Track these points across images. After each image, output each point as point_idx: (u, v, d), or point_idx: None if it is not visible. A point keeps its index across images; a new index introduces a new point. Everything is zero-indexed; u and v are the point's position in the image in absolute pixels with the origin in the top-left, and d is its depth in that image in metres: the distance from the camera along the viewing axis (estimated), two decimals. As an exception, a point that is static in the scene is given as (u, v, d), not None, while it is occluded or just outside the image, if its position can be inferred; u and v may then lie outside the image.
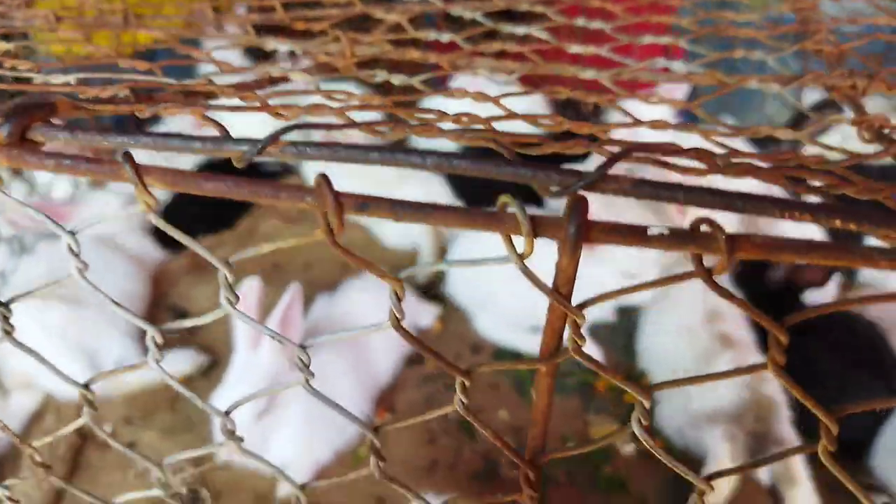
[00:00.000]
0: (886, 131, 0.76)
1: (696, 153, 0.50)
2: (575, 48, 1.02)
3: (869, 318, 1.80)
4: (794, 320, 0.47)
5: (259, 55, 2.65)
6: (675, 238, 0.42)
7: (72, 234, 0.52)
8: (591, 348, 1.92)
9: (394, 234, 2.24)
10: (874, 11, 1.03)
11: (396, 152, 0.46)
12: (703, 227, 0.43)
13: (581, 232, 0.42)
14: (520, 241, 0.45)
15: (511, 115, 0.67)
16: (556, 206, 1.71)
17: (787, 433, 1.60)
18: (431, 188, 2.22)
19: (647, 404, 0.49)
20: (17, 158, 0.49)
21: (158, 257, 2.08)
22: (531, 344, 1.90)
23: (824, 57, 1.00)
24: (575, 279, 0.44)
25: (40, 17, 0.98)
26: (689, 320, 1.79)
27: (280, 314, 1.54)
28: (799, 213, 0.42)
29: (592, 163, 2.07)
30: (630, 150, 0.46)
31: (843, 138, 2.69)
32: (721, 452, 1.55)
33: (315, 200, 0.44)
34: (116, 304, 0.54)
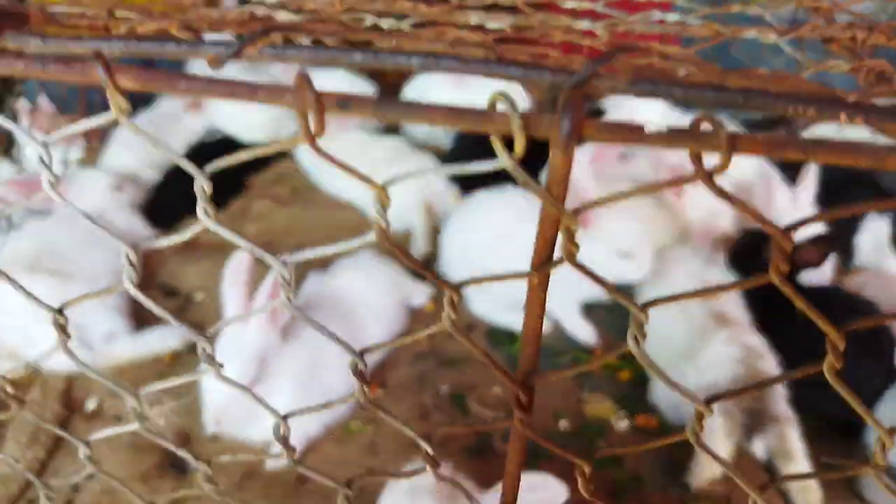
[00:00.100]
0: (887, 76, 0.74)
1: (694, 61, 0.49)
2: (570, 2, 1.00)
3: (867, 298, 1.79)
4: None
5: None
6: (675, 136, 0.40)
7: (44, 144, 0.50)
8: (585, 327, 1.91)
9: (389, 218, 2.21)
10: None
11: (380, 53, 0.44)
12: (704, 126, 0.41)
13: (575, 128, 0.40)
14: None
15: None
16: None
17: (783, 410, 1.59)
18: (425, 168, 2.20)
19: (643, 319, 0.47)
20: (-15, 61, 0.47)
21: (147, 235, 2.05)
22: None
23: (822, 14, 0.98)
24: (568, 180, 0.42)
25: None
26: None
27: (269, 287, 1.51)
28: (802, 109, 0.40)
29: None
30: (624, 49, 0.44)
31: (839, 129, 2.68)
32: (717, 428, 1.53)
33: (294, 99, 0.42)
34: (90, 218, 0.51)
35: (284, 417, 0.62)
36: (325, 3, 0.95)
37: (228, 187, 2.21)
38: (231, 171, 2.17)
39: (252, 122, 2.33)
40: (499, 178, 1.96)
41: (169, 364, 1.76)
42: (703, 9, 0.95)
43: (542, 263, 0.45)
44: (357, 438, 1.61)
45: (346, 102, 0.42)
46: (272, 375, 1.56)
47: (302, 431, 1.57)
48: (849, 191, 2.10)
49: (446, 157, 2.32)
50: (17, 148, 2.19)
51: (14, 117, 2.16)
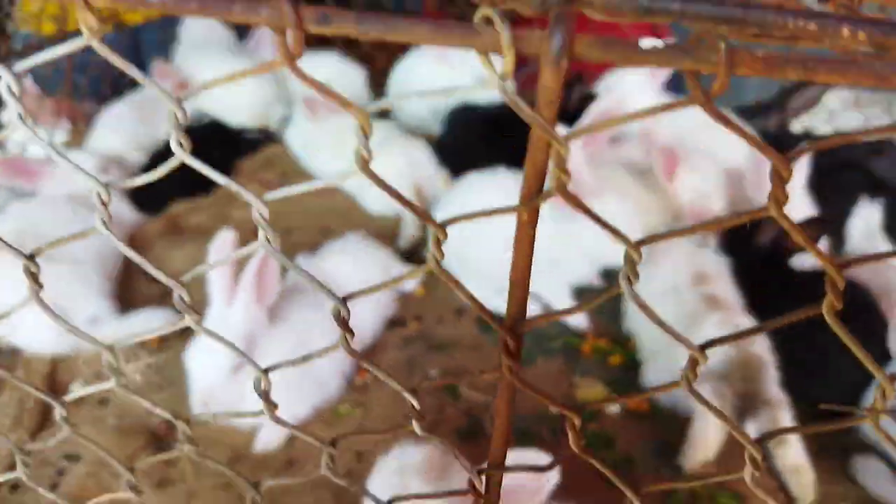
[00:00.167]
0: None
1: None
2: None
3: (858, 283, 1.78)
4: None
5: None
6: (671, 52, 0.38)
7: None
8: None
9: (377, 200, 2.19)
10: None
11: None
12: (702, 41, 0.39)
13: (565, 45, 0.38)
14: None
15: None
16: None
17: (775, 393, 1.58)
18: (414, 155, 2.18)
19: (636, 258, 0.45)
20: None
21: (134, 219, 2.02)
22: (516, 307, 1.87)
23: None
24: (559, 103, 0.40)
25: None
26: (675, 282, 1.76)
27: (255, 268, 1.49)
28: (803, 23, 0.39)
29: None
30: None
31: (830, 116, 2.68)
32: (709, 412, 1.52)
33: (271, 13, 0.40)
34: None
35: (265, 371, 0.60)
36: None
37: (216, 171, 2.17)
38: (218, 156, 2.16)
39: (239, 106, 2.31)
40: (489, 159, 1.95)
41: (157, 347, 1.74)
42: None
43: (532, 196, 0.43)
44: (346, 421, 1.59)
45: (326, 16, 0.39)
46: (259, 357, 1.53)
47: (290, 414, 1.55)
48: (840, 176, 2.09)
49: (437, 142, 2.30)
50: None
51: (-1, 101, 2.12)
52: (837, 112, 2.76)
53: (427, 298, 1.95)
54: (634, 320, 1.84)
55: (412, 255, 2.05)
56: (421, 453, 1.26)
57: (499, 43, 0.39)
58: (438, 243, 0.45)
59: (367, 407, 1.62)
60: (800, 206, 1.97)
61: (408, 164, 2.13)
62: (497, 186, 1.85)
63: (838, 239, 2.05)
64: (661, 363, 1.67)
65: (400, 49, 2.58)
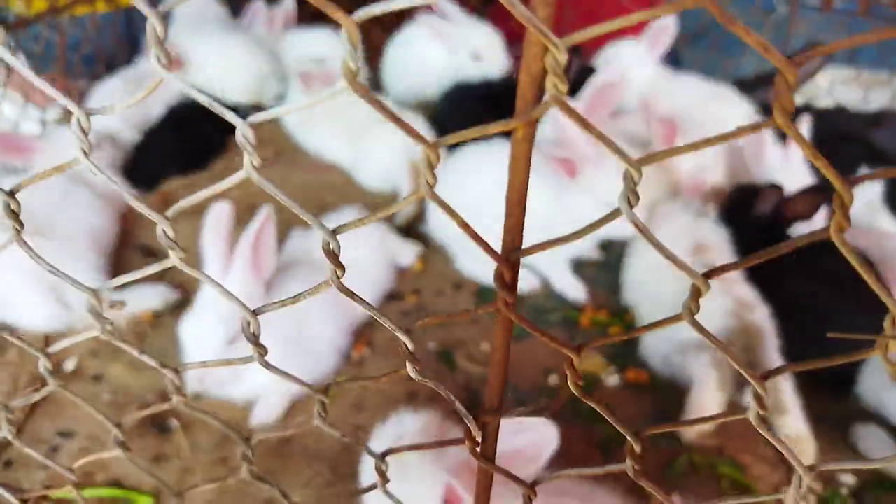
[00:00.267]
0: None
1: None
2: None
3: (860, 251, 1.77)
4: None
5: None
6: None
7: None
8: (575, 284, 1.87)
9: (374, 176, 2.17)
10: None
11: None
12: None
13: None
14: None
15: None
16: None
17: (775, 362, 1.56)
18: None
19: (636, 177, 0.43)
20: None
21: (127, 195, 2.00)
22: (514, 281, 1.85)
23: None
24: (556, 2, 0.38)
25: None
26: (675, 248, 1.74)
27: (252, 236, 1.47)
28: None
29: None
30: None
31: (831, 84, 2.66)
32: (709, 379, 1.51)
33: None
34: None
35: (254, 313, 0.58)
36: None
37: (210, 147, 2.16)
38: (212, 131, 2.13)
39: (234, 82, 2.28)
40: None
41: (149, 325, 1.72)
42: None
43: (527, 108, 0.41)
44: (342, 396, 1.58)
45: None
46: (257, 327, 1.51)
47: (286, 389, 1.54)
48: (841, 147, 2.07)
49: (434, 117, 2.28)
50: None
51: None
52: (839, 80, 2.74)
53: (425, 272, 1.93)
54: (634, 291, 1.82)
55: (410, 228, 2.03)
56: (418, 422, 1.24)
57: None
58: (431, 167, 0.43)
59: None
60: (799, 177, 1.96)
61: (404, 141, 2.11)
62: (494, 157, 1.83)
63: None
64: (660, 333, 1.66)
65: (395, 25, 2.55)
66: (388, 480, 0.68)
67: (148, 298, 1.73)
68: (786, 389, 1.52)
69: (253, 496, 1.34)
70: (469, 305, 1.84)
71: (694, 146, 0.44)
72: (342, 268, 0.52)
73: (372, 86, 2.59)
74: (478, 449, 0.60)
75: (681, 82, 2.28)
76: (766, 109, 2.23)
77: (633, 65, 2.21)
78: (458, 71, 2.38)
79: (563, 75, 0.39)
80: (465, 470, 1.10)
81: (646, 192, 1.89)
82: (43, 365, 0.68)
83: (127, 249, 1.93)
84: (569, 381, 0.56)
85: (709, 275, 0.47)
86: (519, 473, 1.09)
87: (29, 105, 1.99)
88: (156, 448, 1.44)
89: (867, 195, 2.04)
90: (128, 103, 0.51)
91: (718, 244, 1.76)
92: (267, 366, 0.61)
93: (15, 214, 0.57)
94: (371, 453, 0.67)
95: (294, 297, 0.58)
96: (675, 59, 2.52)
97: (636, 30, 2.38)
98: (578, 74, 2.11)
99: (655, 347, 1.66)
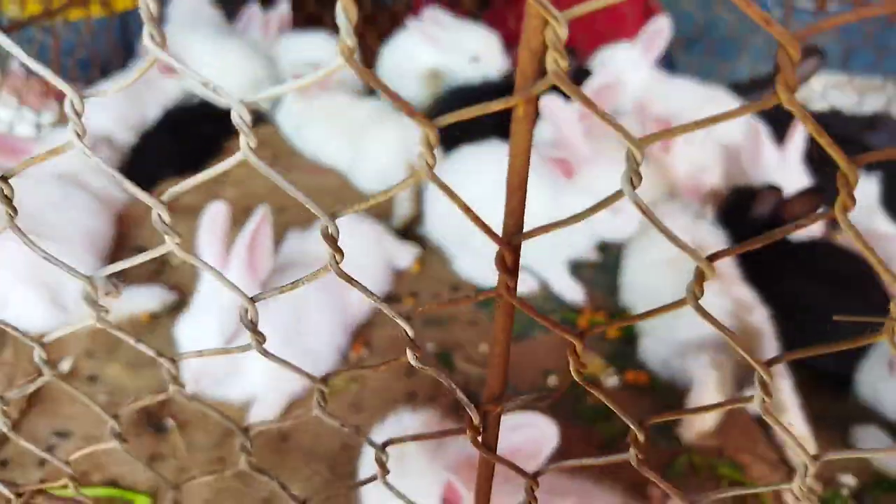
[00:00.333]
0: None
1: None
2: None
3: (857, 252, 1.77)
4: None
5: None
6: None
7: None
8: (573, 286, 1.87)
9: (371, 178, 2.17)
10: None
11: None
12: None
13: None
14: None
15: None
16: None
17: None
18: (407, 130, 2.16)
19: (639, 156, 0.43)
20: None
21: (123, 197, 1.99)
22: (512, 283, 1.85)
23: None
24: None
25: None
26: (672, 252, 1.74)
27: (248, 236, 1.47)
28: None
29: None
30: None
31: (825, 88, 2.67)
32: (708, 380, 1.50)
33: None
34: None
35: (252, 300, 0.58)
36: None
37: (206, 149, 2.15)
38: (208, 136, 2.12)
39: (230, 86, 2.27)
40: (483, 138, 1.92)
41: (145, 326, 1.71)
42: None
43: (527, 84, 0.41)
44: (340, 396, 1.57)
45: None
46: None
47: (283, 389, 1.53)
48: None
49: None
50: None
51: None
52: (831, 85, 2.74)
53: (422, 275, 1.93)
54: (632, 292, 1.82)
55: (407, 230, 2.03)
56: (417, 421, 1.24)
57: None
58: (429, 146, 0.43)
59: (363, 381, 1.60)
60: (797, 178, 1.96)
61: (400, 139, 2.11)
62: (489, 160, 1.83)
63: (836, 212, 2.04)
64: (659, 333, 1.66)
65: (389, 29, 2.55)
66: (388, 472, 0.67)
67: (144, 300, 1.72)
68: (785, 389, 1.51)
69: (251, 496, 1.33)
70: (466, 308, 1.84)
71: (697, 124, 0.44)
72: (341, 252, 0.51)
73: (365, 91, 2.59)
74: (479, 438, 0.60)
75: (675, 85, 2.29)
76: (761, 112, 2.24)
77: (628, 68, 2.21)
78: (455, 74, 2.39)
79: (563, 51, 0.38)
80: (464, 467, 1.09)
81: (643, 193, 1.90)
82: (38, 355, 0.67)
83: (123, 252, 1.92)
84: (571, 368, 0.56)
85: (713, 258, 0.47)
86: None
87: (23, 108, 1.99)
88: (152, 448, 1.43)
89: (864, 197, 2.05)
90: (120, 86, 0.51)
91: (717, 245, 1.76)
92: (265, 354, 0.61)
93: (8, 200, 0.57)
94: (372, 444, 0.66)
95: (293, 283, 0.58)
96: (669, 63, 2.53)
97: (631, 33, 2.39)
98: (574, 77, 2.11)
99: (654, 349, 1.66)
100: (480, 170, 1.84)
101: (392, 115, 2.22)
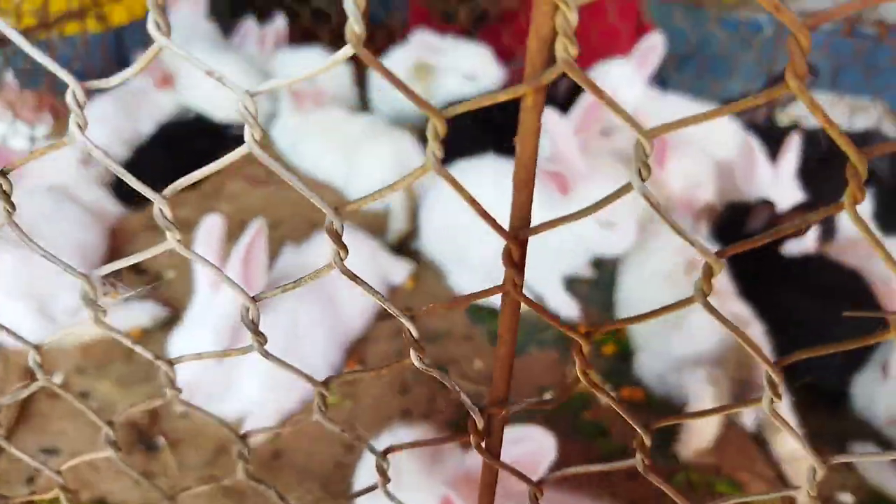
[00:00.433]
0: None
1: None
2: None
3: (851, 268, 1.77)
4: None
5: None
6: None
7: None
8: (568, 301, 1.86)
9: (364, 192, 2.16)
10: None
11: None
12: None
13: None
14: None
15: None
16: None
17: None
18: (401, 145, 2.16)
19: (647, 148, 0.43)
20: None
21: (116, 212, 1.98)
22: (507, 299, 1.84)
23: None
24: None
25: None
26: (667, 268, 1.74)
27: (243, 250, 1.45)
28: None
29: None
30: None
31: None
32: (704, 395, 1.49)
33: None
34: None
35: (254, 299, 0.56)
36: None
37: (200, 165, 2.14)
38: (203, 150, 2.11)
39: (224, 100, 2.28)
40: (479, 146, 1.92)
41: (138, 341, 1.69)
42: None
43: (537, 73, 0.40)
44: (334, 413, 1.55)
45: None
46: (245, 344, 1.49)
47: (279, 405, 1.51)
48: (830, 166, 2.09)
49: (423, 136, 2.28)
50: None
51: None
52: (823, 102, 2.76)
53: (416, 290, 1.92)
54: (628, 308, 1.81)
55: (401, 246, 2.02)
56: (413, 436, 1.22)
57: None
58: (438, 137, 0.42)
59: (357, 397, 1.58)
60: (790, 194, 1.97)
61: (395, 154, 2.11)
62: (488, 172, 1.83)
63: (830, 228, 2.05)
64: (655, 349, 1.65)
65: (385, 45, 2.57)
66: (388, 480, 0.66)
67: (137, 315, 1.70)
68: (782, 405, 1.50)
69: (243, 513, 1.31)
70: (461, 324, 1.83)
71: (706, 116, 0.43)
72: (345, 249, 0.50)
73: (360, 106, 2.59)
74: (483, 444, 0.58)
75: (668, 102, 2.30)
76: (752, 127, 2.25)
77: (622, 84, 2.23)
78: (450, 92, 2.39)
79: (573, 38, 0.38)
80: (462, 482, 1.08)
81: (637, 207, 1.89)
82: (32, 358, 0.66)
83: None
84: (577, 369, 0.55)
85: (721, 253, 0.46)
86: (517, 483, 1.07)
87: (17, 121, 1.98)
88: (143, 466, 1.41)
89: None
90: (126, 75, 0.50)
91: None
92: (266, 355, 0.59)
93: (6, 195, 0.56)
94: (373, 451, 0.65)
95: (295, 281, 0.57)
96: (661, 81, 2.55)
97: (624, 49, 2.41)
98: (568, 92, 2.13)
99: (650, 365, 1.65)
100: (478, 184, 1.84)
101: (386, 130, 2.22)
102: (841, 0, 0.43)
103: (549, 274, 1.87)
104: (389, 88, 2.38)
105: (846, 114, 2.67)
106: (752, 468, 1.49)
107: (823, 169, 2.10)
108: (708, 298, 1.50)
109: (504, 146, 1.87)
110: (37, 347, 0.65)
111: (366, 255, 1.84)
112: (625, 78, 2.24)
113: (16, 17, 2.02)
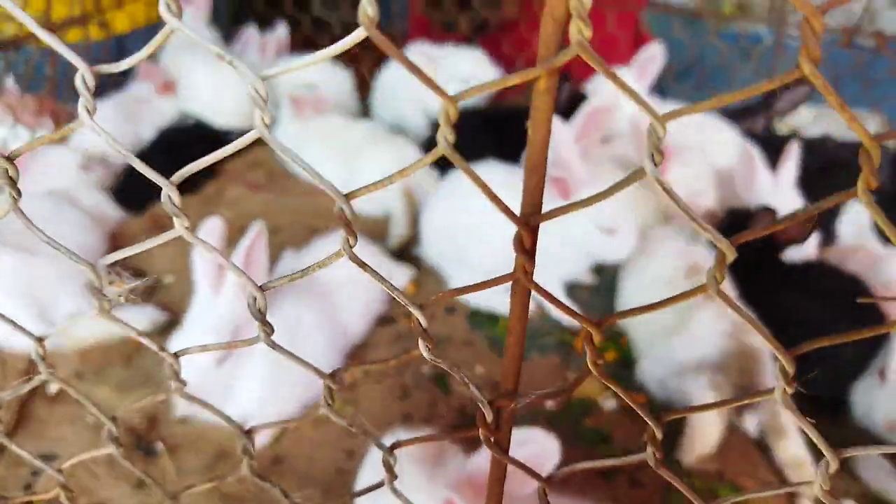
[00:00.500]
0: None
1: None
2: None
3: (852, 274, 1.77)
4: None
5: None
6: None
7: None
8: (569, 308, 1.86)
9: (366, 200, 2.16)
10: None
11: None
12: None
13: None
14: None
15: None
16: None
17: (772, 383, 1.55)
18: (404, 152, 2.16)
19: (661, 132, 0.42)
20: None
21: (116, 216, 1.97)
22: (506, 305, 1.83)
23: None
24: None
25: None
26: (668, 274, 1.74)
27: (243, 252, 1.45)
28: None
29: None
30: None
31: (816, 118, 2.70)
32: (707, 401, 1.49)
33: None
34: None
35: (261, 288, 0.56)
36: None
37: (200, 171, 2.13)
38: (203, 155, 2.10)
39: (225, 108, 2.28)
40: (478, 154, 1.93)
41: (136, 346, 1.68)
42: None
43: (550, 55, 0.40)
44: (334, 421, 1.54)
45: None
46: (246, 350, 1.48)
47: (278, 412, 1.50)
48: (829, 175, 2.09)
49: (427, 143, 2.28)
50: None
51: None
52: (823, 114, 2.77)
53: (417, 296, 1.91)
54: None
55: (403, 251, 2.02)
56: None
57: None
58: (449, 120, 0.42)
59: (357, 404, 1.57)
60: (790, 201, 1.97)
61: (396, 162, 2.11)
62: (489, 178, 1.83)
63: (829, 236, 2.05)
64: (657, 354, 1.65)
65: (384, 58, 2.57)
66: (395, 476, 0.65)
67: (136, 319, 1.69)
68: (784, 413, 1.50)
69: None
70: (462, 329, 1.82)
71: (720, 100, 0.43)
72: (354, 235, 0.50)
73: (361, 114, 2.60)
74: (491, 439, 0.58)
75: (668, 110, 2.30)
76: (751, 136, 2.25)
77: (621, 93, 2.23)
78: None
79: (587, 20, 0.38)
80: (464, 486, 1.07)
81: (637, 214, 1.90)
82: (35, 350, 0.65)
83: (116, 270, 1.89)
84: (587, 360, 0.54)
85: (734, 240, 0.46)
86: (519, 488, 1.06)
87: (18, 126, 1.98)
88: (141, 471, 1.39)
89: (857, 221, 2.06)
90: (140, 57, 0.50)
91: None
92: (273, 346, 0.59)
93: (12, 181, 0.55)
94: (380, 446, 0.64)
95: (303, 270, 0.56)
96: (661, 91, 2.56)
97: (623, 59, 2.42)
98: (569, 100, 2.13)
99: (652, 371, 1.64)
100: (474, 192, 1.84)
101: (386, 137, 2.22)
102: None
103: (549, 280, 1.86)
104: (391, 100, 2.38)
105: (845, 124, 2.67)
106: (755, 474, 1.48)
107: (823, 177, 2.10)
108: (711, 303, 1.48)
109: (505, 152, 1.88)
110: (39, 339, 0.65)
111: (368, 259, 1.83)
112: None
113: (17, 23, 2.02)
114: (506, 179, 1.80)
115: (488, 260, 1.80)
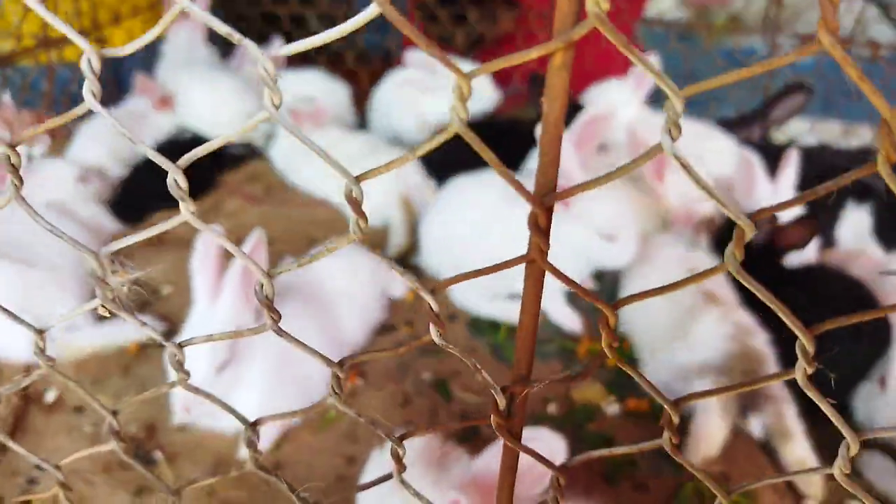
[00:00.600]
0: None
1: None
2: None
3: (855, 277, 1.77)
4: None
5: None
6: None
7: None
8: (570, 315, 1.85)
9: (365, 210, 2.16)
10: None
11: None
12: None
13: None
14: None
15: None
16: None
17: (777, 387, 1.54)
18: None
19: (678, 107, 0.42)
20: None
21: (113, 228, 1.96)
22: (507, 312, 1.83)
23: None
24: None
25: None
26: (670, 279, 1.73)
27: (241, 265, 1.44)
28: None
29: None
30: None
31: (811, 129, 2.71)
32: (712, 405, 1.48)
33: None
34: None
35: (269, 274, 0.55)
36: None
37: (198, 183, 2.14)
38: (201, 169, 2.11)
39: (222, 121, 2.28)
40: (476, 163, 1.92)
41: (134, 356, 1.67)
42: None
43: (566, 29, 0.40)
44: (335, 426, 1.52)
45: None
46: (244, 359, 1.47)
47: (276, 422, 1.48)
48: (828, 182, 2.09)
49: (424, 155, 2.28)
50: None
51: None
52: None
53: (417, 304, 1.90)
54: (630, 320, 1.80)
55: (402, 259, 2.01)
56: (419, 444, 1.20)
57: None
58: (463, 100, 0.42)
59: (358, 410, 1.54)
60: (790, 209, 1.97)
61: (392, 174, 2.11)
62: (484, 190, 1.83)
63: (829, 242, 2.05)
64: (661, 357, 1.64)
65: (382, 66, 2.58)
66: (404, 467, 0.64)
67: (133, 328, 1.68)
68: (789, 415, 1.49)
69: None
70: (463, 336, 1.81)
71: (731, 76, 0.43)
72: (364, 218, 0.49)
73: (358, 126, 2.60)
74: (504, 427, 0.57)
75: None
76: (748, 145, 2.26)
77: (618, 103, 2.24)
78: (443, 111, 2.40)
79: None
80: (470, 488, 1.06)
81: (637, 221, 1.89)
82: (35, 343, 0.64)
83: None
84: (603, 343, 0.54)
85: (754, 215, 0.45)
86: (525, 489, 1.05)
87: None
88: (139, 479, 1.38)
89: (856, 227, 2.06)
90: (142, 42, 0.49)
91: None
92: (280, 333, 0.58)
93: (15, 169, 0.54)
94: (389, 436, 0.63)
95: (311, 255, 0.55)
96: (657, 104, 2.57)
97: (620, 71, 2.43)
98: (567, 110, 2.14)
99: (656, 374, 1.63)
100: (478, 198, 1.84)
101: (384, 149, 2.23)
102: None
103: (550, 287, 1.86)
104: (389, 112, 2.38)
105: (839, 135, 2.70)
106: (760, 476, 1.47)
107: (819, 185, 2.10)
108: (714, 307, 1.47)
109: (504, 163, 1.87)
110: (40, 332, 0.64)
111: (367, 269, 1.82)
112: (621, 98, 2.25)
113: (15, 39, 2.02)
114: (502, 192, 1.80)
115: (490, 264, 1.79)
